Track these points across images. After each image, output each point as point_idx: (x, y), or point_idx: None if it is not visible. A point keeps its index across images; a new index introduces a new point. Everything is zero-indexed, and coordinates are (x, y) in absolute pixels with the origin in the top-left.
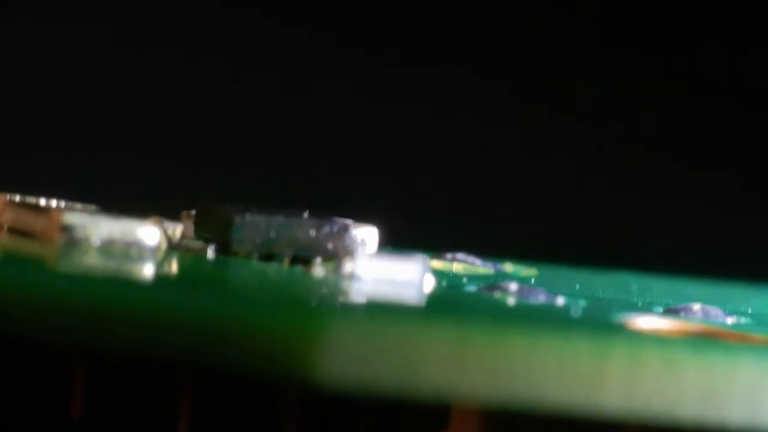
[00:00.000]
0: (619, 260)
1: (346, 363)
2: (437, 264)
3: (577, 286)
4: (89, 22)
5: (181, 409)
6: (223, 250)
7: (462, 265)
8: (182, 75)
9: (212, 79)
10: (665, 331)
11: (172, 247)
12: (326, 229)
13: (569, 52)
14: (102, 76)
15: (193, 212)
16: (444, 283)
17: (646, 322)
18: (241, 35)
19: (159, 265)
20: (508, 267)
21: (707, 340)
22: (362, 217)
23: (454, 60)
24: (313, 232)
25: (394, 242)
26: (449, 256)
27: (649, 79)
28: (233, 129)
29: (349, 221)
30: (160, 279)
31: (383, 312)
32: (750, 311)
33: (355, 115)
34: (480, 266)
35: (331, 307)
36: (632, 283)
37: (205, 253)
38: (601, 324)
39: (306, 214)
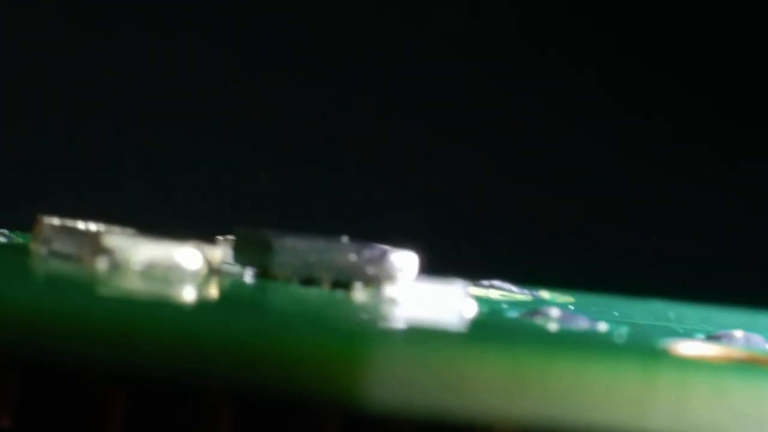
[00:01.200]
0: (652, 289)
1: (390, 387)
2: (474, 291)
3: (616, 314)
4: (124, 40)
5: None
6: (262, 274)
7: (499, 291)
8: (217, 101)
9: (247, 104)
10: (710, 356)
11: (211, 271)
12: (366, 253)
13: (595, 78)
14: (134, 102)
15: (229, 237)
16: (484, 309)
17: (689, 348)
18: (272, 57)
19: (200, 289)
20: (545, 294)
21: (753, 365)
22: (395, 244)
23: (492, 84)
24: (353, 257)
25: (429, 269)
26: (486, 282)
27: (685, 104)
28: (269, 155)
29: (387, 247)
30: (202, 303)
31: (428, 336)
32: None
33: (393, 141)
34: (517, 293)
35: (375, 330)
36: (669, 310)
37: (244, 277)
38: (646, 349)
39: (345, 239)
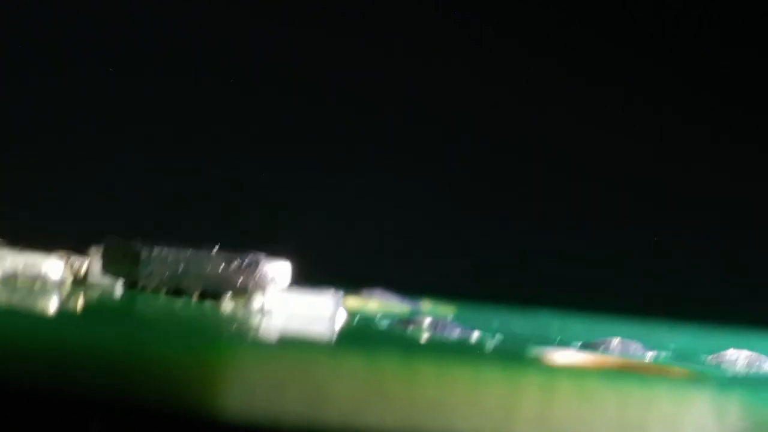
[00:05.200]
0: (543, 299)
1: (253, 396)
2: (354, 302)
3: (496, 323)
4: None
5: None
6: (131, 285)
7: (378, 302)
8: (92, 107)
9: (123, 108)
10: (581, 364)
11: (79, 282)
12: (236, 263)
13: (506, 69)
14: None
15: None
16: (356, 319)
17: (561, 356)
18: (141, 78)
19: (64, 299)
20: (426, 305)
21: (623, 372)
22: (278, 254)
23: (371, 95)
24: (222, 267)
25: (311, 279)
26: (366, 292)
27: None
28: (147, 165)
29: (260, 255)
30: (64, 312)
31: (290, 345)
32: (672, 347)
33: (273, 150)
34: (396, 303)
35: (237, 340)
36: (553, 321)
37: (114, 288)
38: (514, 357)
39: (215, 249)
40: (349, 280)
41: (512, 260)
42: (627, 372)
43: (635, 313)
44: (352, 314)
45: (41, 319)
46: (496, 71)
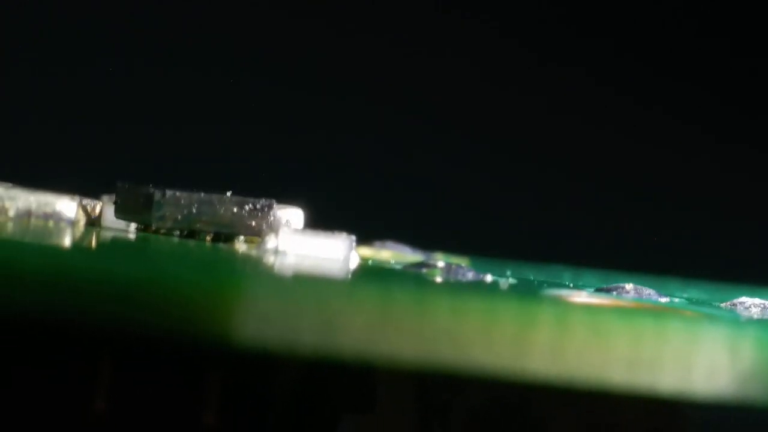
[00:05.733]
0: (556, 256)
1: (268, 325)
2: (366, 251)
3: (509, 272)
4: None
5: (104, 371)
6: (144, 228)
7: (390, 252)
8: (114, 59)
9: (135, 65)
10: (593, 303)
11: (92, 223)
12: (248, 206)
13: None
14: (34, 65)
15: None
16: (370, 262)
17: (575, 297)
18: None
19: (78, 237)
20: (439, 256)
21: (636, 309)
22: (292, 204)
23: (392, 48)
24: (235, 209)
25: (329, 228)
26: (378, 244)
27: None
28: (161, 112)
29: (272, 200)
30: (79, 247)
31: (305, 278)
32: (685, 296)
33: (291, 107)
34: (410, 254)
35: (252, 272)
36: (565, 271)
37: (127, 231)
38: (528, 295)
39: (229, 193)
40: (361, 234)
41: (524, 219)
42: (640, 309)
43: (648, 270)
44: (364, 260)
45: (55, 252)
46: (486, 55)
